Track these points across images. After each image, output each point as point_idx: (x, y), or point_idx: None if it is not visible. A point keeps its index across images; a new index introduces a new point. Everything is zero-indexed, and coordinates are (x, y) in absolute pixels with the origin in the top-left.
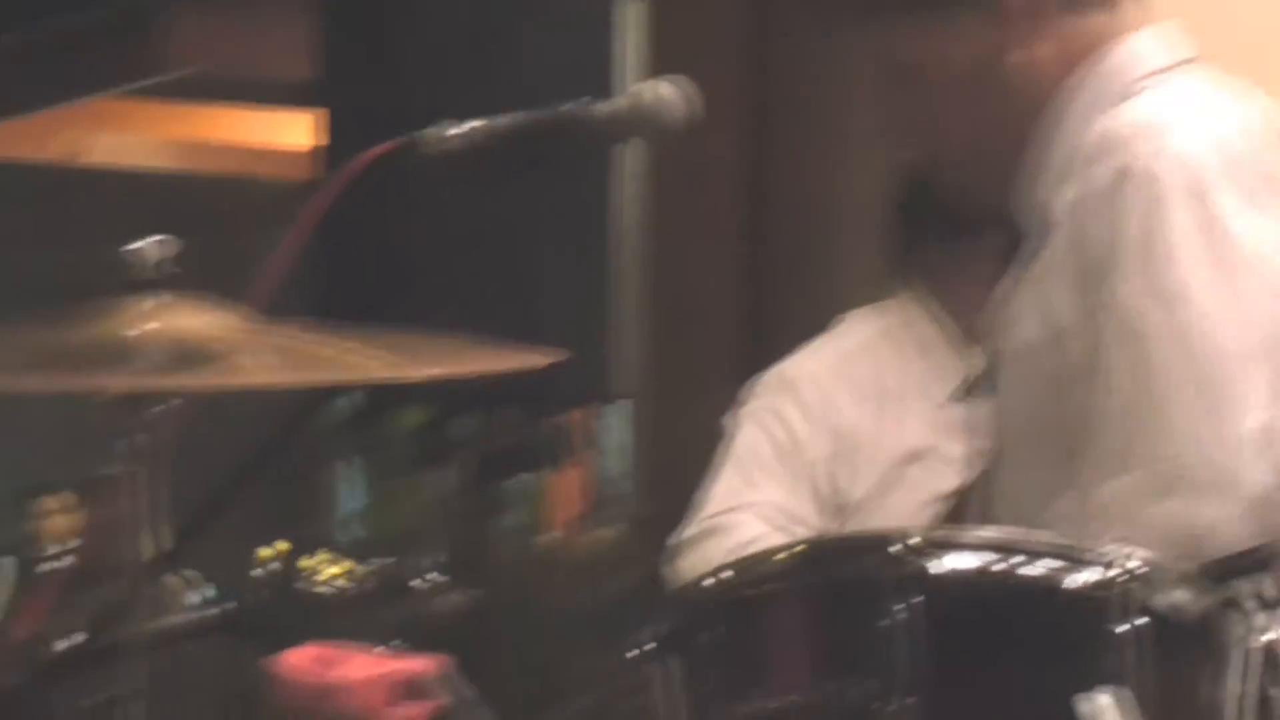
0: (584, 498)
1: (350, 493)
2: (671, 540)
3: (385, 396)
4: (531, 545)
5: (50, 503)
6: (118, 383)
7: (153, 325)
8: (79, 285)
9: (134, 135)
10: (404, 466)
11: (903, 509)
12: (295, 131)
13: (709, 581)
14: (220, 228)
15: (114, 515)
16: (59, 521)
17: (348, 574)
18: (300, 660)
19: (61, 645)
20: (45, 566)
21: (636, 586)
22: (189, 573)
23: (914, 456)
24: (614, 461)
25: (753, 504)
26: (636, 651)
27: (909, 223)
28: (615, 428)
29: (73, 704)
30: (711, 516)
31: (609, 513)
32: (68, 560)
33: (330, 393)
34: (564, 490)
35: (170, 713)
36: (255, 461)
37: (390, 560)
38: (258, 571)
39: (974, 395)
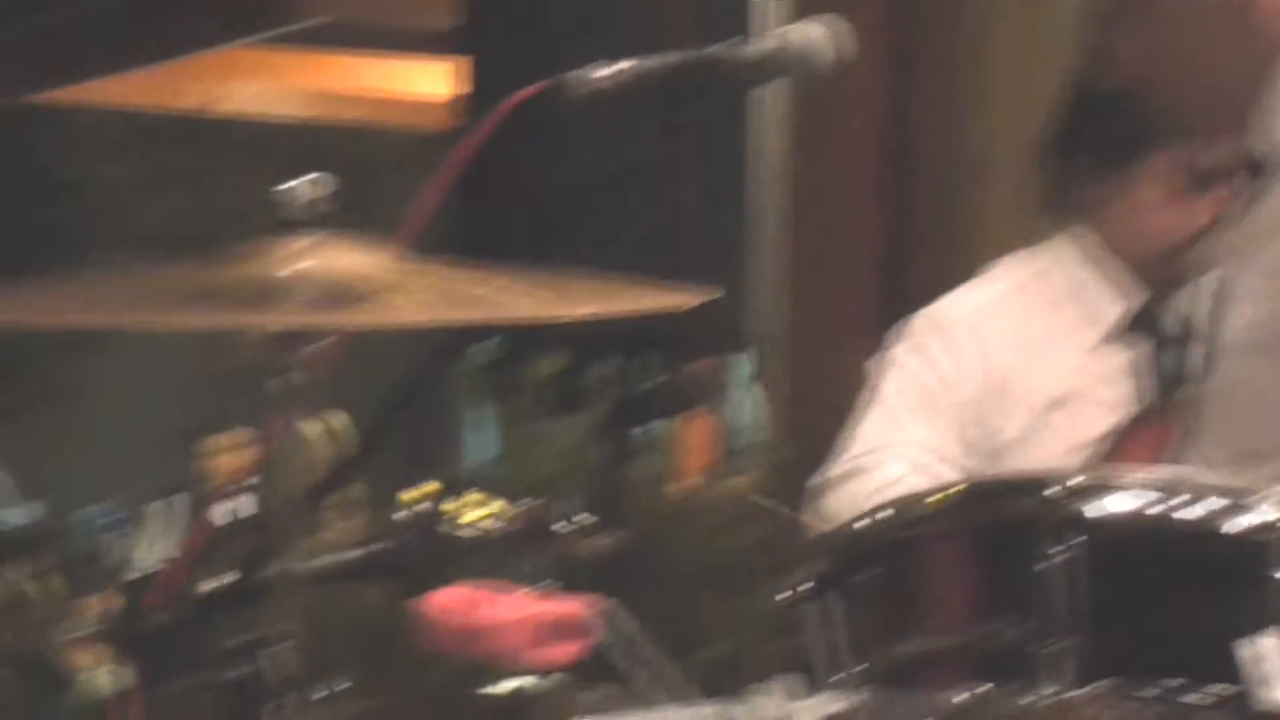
0: (719, 444)
1: (484, 439)
2: (813, 482)
3: (520, 343)
4: (667, 492)
5: (219, 441)
6: (271, 321)
7: (305, 264)
8: (223, 229)
9: (270, 84)
10: (539, 414)
11: (1052, 453)
12: (432, 80)
13: (866, 521)
14: (355, 177)
15: (274, 454)
16: (227, 460)
17: (494, 516)
18: (447, 601)
19: (212, 584)
20: (213, 504)
21: (773, 532)
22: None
23: (1063, 400)
24: (750, 408)
25: (897, 445)
26: (791, 592)
27: (1067, 155)
28: (752, 373)
29: (221, 643)
30: (855, 457)
31: (744, 459)
32: (236, 498)
33: (468, 337)
34: (699, 437)
35: (317, 653)
36: (399, 403)
37: (536, 502)
38: (404, 513)
39: (1129, 337)
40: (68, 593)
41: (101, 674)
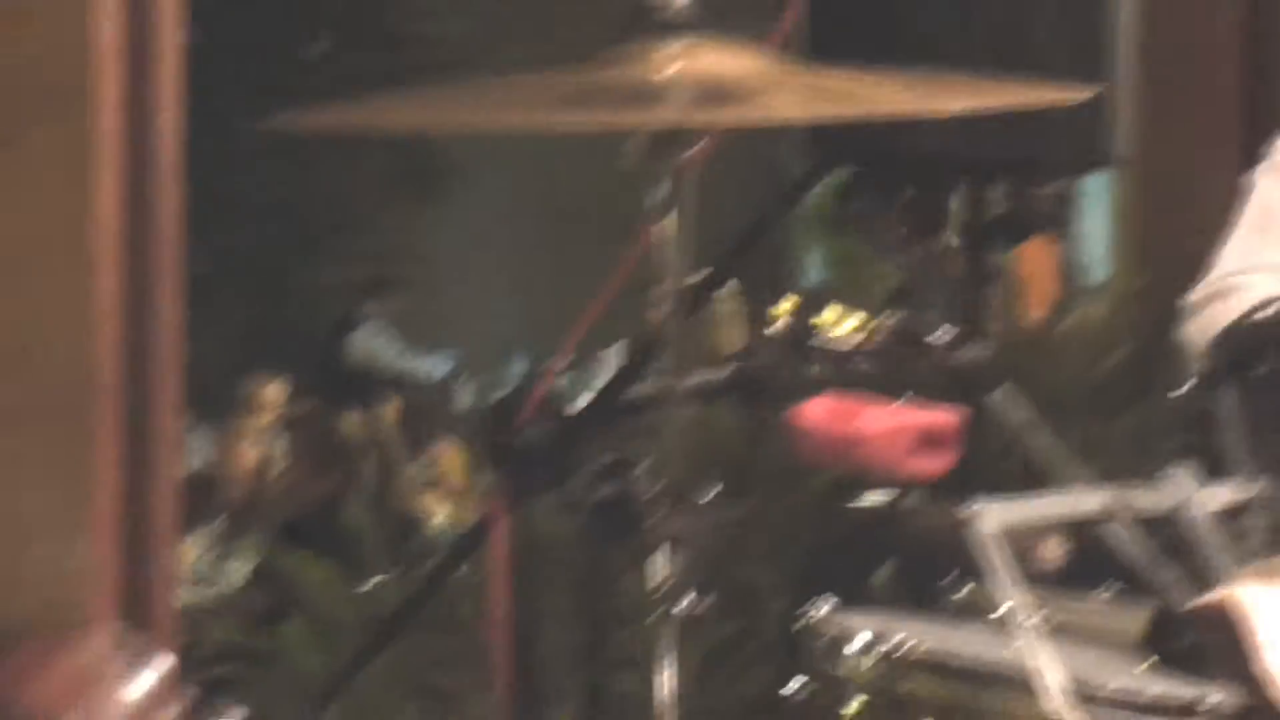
0: (1063, 271)
1: (830, 266)
2: (1181, 302)
3: (873, 168)
4: (1021, 317)
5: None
6: (648, 121)
7: (680, 65)
8: (605, 30)
9: None
10: (889, 240)
11: None
12: None
13: (1266, 314)
14: None
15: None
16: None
17: (860, 328)
18: (819, 413)
19: (584, 403)
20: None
21: (1132, 355)
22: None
23: None
24: (1105, 230)
25: (1270, 263)
26: (1184, 389)
27: None
28: (1108, 194)
29: (592, 460)
30: (1225, 276)
31: (1098, 283)
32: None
33: (826, 163)
34: (1042, 262)
35: (689, 469)
36: (763, 221)
37: (902, 315)
38: (771, 328)
39: None
40: (422, 438)
41: (450, 515)
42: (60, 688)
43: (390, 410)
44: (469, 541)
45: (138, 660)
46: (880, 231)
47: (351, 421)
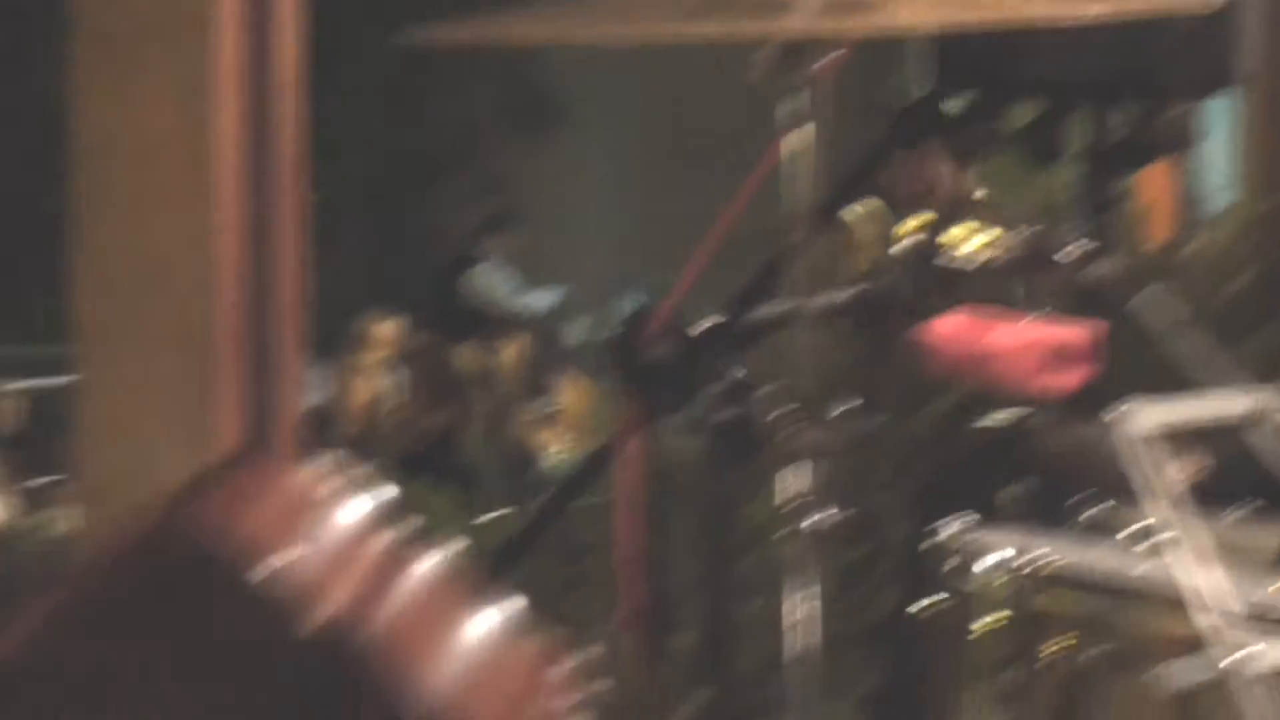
0: (1184, 194)
1: None
2: None
3: (996, 92)
4: (1144, 242)
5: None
6: (778, 31)
7: None
8: None
9: None
10: (1016, 164)
11: None
12: None
13: None
14: None
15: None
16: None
17: (991, 244)
18: (950, 329)
19: (704, 324)
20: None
21: (1256, 279)
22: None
23: None
24: (1229, 153)
25: None
26: None
27: None
28: (1232, 117)
29: (715, 380)
30: None
31: (1222, 208)
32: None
33: (947, 83)
34: (1174, 185)
35: (810, 390)
36: (890, 143)
37: (1034, 230)
38: (900, 246)
39: None
40: (543, 372)
41: (569, 449)
42: (274, 515)
43: (512, 346)
44: (592, 468)
45: (353, 487)
46: (1001, 158)
47: (467, 356)
